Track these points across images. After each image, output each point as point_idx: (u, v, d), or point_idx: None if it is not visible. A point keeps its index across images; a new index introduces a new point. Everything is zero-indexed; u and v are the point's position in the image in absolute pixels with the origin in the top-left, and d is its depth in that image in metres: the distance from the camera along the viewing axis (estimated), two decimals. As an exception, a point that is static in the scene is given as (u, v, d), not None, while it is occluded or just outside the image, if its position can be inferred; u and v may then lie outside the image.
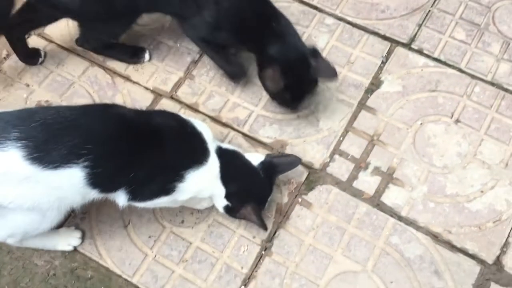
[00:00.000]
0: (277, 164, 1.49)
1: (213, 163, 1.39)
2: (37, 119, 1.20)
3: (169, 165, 1.33)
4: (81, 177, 1.20)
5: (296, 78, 1.56)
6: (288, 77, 1.54)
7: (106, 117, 1.31)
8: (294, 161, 1.52)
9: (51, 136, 1.18)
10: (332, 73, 1.58)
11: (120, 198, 1.32)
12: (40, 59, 1.80)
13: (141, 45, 1.83)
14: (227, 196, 1.42)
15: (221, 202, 1.45)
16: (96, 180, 1.22)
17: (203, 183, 1.39)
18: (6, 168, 1.16)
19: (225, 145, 1.49)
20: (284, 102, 1.65)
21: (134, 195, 1.34)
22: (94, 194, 1.28)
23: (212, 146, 1.42)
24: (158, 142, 1.33)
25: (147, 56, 1.80)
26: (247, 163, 1.46)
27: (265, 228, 1.48)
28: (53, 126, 1.20)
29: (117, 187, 1.29)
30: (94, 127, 1.25)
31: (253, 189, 1.47)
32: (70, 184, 1.21)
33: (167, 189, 1.35)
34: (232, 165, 1.43)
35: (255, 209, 1.43)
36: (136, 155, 1.28)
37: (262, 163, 1.47)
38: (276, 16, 1.60)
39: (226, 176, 1.41)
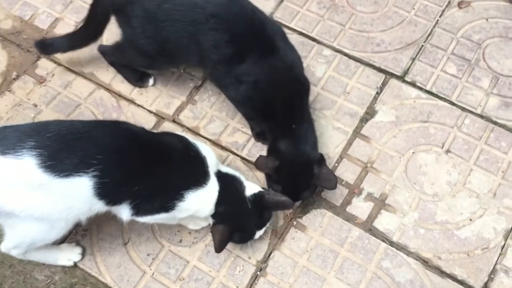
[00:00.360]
0: (268, 201, 1.49)
1: (212, 186, 1.45)
2: (52, 130, 1.27)
3: (171, 183, 1.39)
4: (89, 186, 1.27)
5: (293, 181, 1.57)
6: (284, 176, 1.56)
7: (117, 132, 1.38)
8: (286, 204, 1.50)
9: (64, 146, 1.25)
10: (332, 184, 1.56)
11: (124, 212, 1.38)
12: (151, 81, 1.88)
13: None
14: (213, 215, 1.48)
15: (210, 219, 1.51)
16: (103, 190, 1.28)
17: (201, 204, 1.44)
18: (21, 175, 1.23)
19: (227, 170, 1.54)
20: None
21: (137, 210, 1.39)
22: (99, 206, 1.33)
23: (213, 169, 1.47)
24: (164, 161, 1.39)
25: (151, 81, 1.88)
26: (239, 191, 1.50)
27: (217, 251, 1.47)
28: (67, 137, 1.28)
29: (122, 200, 1.35)
30: (104, 140, 1.32)
31: (234, 214, 1.49)
32: (79, 193, 1.27)
33: (167, 207, 1.40)
34: (227, 190, 1.48)
35: (222, 231, 1.45)
36: (142, 170, 1.34)
37: (254, 195, 1.50)
38: (301, 120, 1.61)
39: (220, 198, 1.46)
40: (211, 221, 1.51)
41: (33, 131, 1.27)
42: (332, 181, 1.56)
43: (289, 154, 1.57)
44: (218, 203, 1.46)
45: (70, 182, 1.25)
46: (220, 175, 1.48)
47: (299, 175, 1.57)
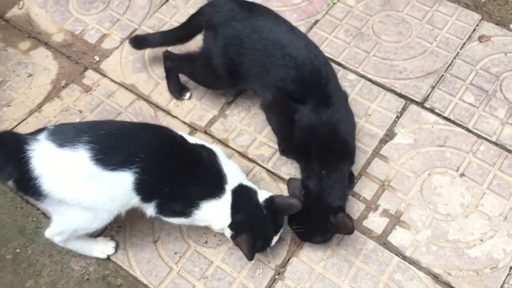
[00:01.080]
0: (279, 204, 1.57)
1: (226, 200, 1.56)
2: (105, 128, 1.45)
3: (191, 191, 1.52)
4: (131, 181, 1.42)
5: (307, 221, 1.63)
6: (301, 214, 1.59)
7: (159, 135, 1.54)
8: (295, 206, 1.56)
9: (113, 143, 1.42)
10: (348, 230, 1.60)
11: (149, 209, 1.53)
12: (188, 95, 2.03)
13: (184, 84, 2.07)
14: (230, 225, 1.57)
15: (228, 231, 1.60)
16: (140, 186, 1.43)
17: (215, 215, 1.56)
18: (75, 166, 1.39)
19: (246, 182, 1.63)
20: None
21: (161, 210, 1.54)
22: (135, 201, 1.48)
23: (233, 184, 1.57)
24: (190, 169, 1.53)
25: (187, 95, 2.04)
26: (253, 199, 1.58)
27: (249, 259, 1.55)
28: (117, 136, 1.44)
29: (153, 198, 1.49)
30: (148, 141, 1.48)
31: (252, 222, 1.57)
32: (122, 186, 1.42)
33: (185, 213, 1.54)
34: (241, 201, 1.58)
35: (247, 239, 1.52)
36: (173, 173, 1.49)
37: (266, 200, 1.58)
38: (332, 173, 1.67)
39: (233, 209, 1.56)
40: (228, 234, 1.60)
41: (88, 128, 1.43)
42: (349, 228, 1.58)
43: (311, 196, 1.66)
44: (234, 214, 1.55)
45: (116, 175, 1.40)
46: (237, 189, 1.58)
47: (315, 219, 1.64)
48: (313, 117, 1.69)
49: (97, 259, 1.69)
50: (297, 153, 1.80)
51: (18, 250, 1.72)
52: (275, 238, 1.62)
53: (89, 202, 1.43)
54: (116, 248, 1.71)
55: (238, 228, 1.56)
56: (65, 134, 1.41)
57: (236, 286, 1.65)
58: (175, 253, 1.71)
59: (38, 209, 1.79)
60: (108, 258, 1.69)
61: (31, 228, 1.76)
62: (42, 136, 1.41)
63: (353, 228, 1.59)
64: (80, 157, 1.38)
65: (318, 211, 1.64)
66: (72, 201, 1.42)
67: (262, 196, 1.60)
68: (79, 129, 1.43)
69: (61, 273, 1.68)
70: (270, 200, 1.58)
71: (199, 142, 1.63)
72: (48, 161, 1.39)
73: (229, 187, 1.57)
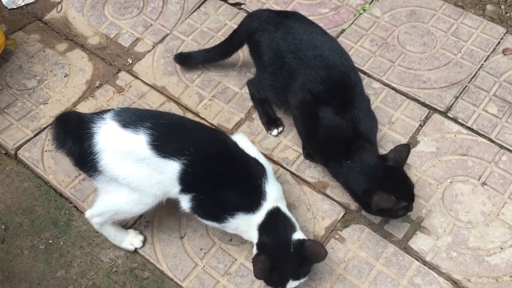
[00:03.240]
0: (307, 248, 1.53)
1: (259, 216, 1.59)
2: (166, 118, 1.58)
3: (230, 199, 1.58)
4: (177, 170, 1.51)
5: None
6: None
7: (213, 136, 1.64)
8: (321, 255, 1.53)
9: (170, 134, 1.53)
10: (390, 203, 1.63)
11: (184, 202, 1.60)
12: (275, 131, 2.00)
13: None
14: (257, 244, 1.60)
15: (254, 249, 1.60)
16: (184, 177, 1.52)
17: (246, 226, 1.61)
18: (133, 147, 1.50)
19: (286, 211, 1.62)
20: None
21: (197, 209, 1.60)
22: (176, 191, 1.56)
23: (271, 204, 1.59)
24: (235, 177, 1.58)
25: (275, 131, 2.00)
26: (285, 231, 1.57)
27: (256, 276, 1.53)
28: (175, 127, 1.56)
29: (191, 191, 1.56)
30: (201, 138, 1.58)
31: (275, 249, 1.55)
32: (169, 173, 1.51)
33: (220, 218, 1.60)
34: (272, 225, 1.58)
35: (263, 260, 1.51)
36: (217, 174, 1.55)
37: (298, 240, 1.55)
38: (357, 162, 1.72)
39: (263, 230, 1.58)
40: (254, 252, 1.60)
41: (151, 115, 1.56)
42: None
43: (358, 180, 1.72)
44: (262, 233, 1.58)
45: (166, 162, 1.50)
46: (274, 211, 1.59)
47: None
48: (338, 117, 1.75)
49: (126, 252, 1.76)
50: (321, 153, 1.85)
51: (50, 241, 1.80)
52: (292, 283, 1.57)
53: (137, 184, 1.52)
54: (144, 242, 1.77)
55: (262, 249, 1.58)
56: (129, 117, 1.53)
57: (258, 283, 1.69)
58: (201, 249, 1.76)
59: (71, 202, 1.87)
60: (136, 251, 1.76)
61: (64, 220, 1.84)
62: (108, 116, 1.54)
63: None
64: (139, 140, 1.49)
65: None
66: (123, 180, 1.52)
67: (297, 235, 1.58)
68: (143, 114, 1.55)
69: (90, 264, 1.75)
70: (301, 242, 1.55)
71: (255, 153, 1.66)
72: (110, 138, 1.50)
73: (266, 205, 1.59)
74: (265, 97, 2.01)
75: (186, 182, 1.54)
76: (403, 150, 1.71)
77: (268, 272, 1.53)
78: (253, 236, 1.60)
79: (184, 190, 1.56)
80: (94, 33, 2.34)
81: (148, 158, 1.50)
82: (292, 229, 1.60)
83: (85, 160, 1.53)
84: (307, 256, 1.55)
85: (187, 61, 2.16)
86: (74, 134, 1.54)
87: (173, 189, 1.56)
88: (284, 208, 1.64)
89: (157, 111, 1.65)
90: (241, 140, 1.68)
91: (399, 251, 1.75)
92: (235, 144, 1.64)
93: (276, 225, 1.59)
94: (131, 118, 1.53)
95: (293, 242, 1.56)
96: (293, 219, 1.63)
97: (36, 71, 2.21)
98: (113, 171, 1.51)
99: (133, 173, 1.51)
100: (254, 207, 1.59)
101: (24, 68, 2.21)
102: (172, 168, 1.51)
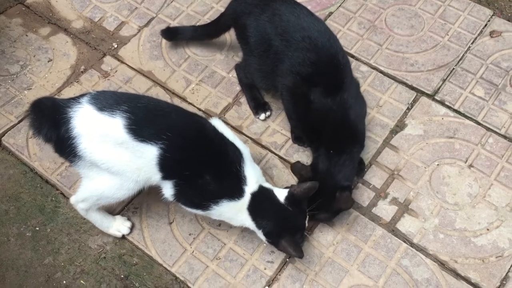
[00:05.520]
0: (299, 194, 1.59)
1: (244, 202, 1.59)
2: (143, 102, 1.55)
3: (210, 185, 1.55)
4: (155, 155, 1.49)
5: (313, 199, 1.64)
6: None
7: (190, 120, 1.60)
8: (313, 187, 1.60)
9: (148, 117, 1.51)
10: (348, 205, 1.70)
11: (167, 189, 1.58)
12: (263, 115, 1.99)
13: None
14: (265, 235, 1.61)
15: (263, 237, 1.63)
16: (163, 162, 1.50)
17: (232, 214, 1.61)
18: (110, 131, 1.48)
19: (264, 184, 1.64)
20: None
21: (179, 196, 1.58)
22: (157, 178, 1.54)
23: (253, 187, 1.59)
24: (216, 162, 1.56)
25: (263, 116, 2.00)
26: (276, 202, 1.60)
27: (300, 257, 1.58)
28: (152, 111, 1.53)
29: (171, 177, 1.54)
30: (179, 123, 1.55)
31: (284, 224, 1.60)
32: (148, 158, 1.50)
33: (203, 205, 1.59)
34: (263, 206, 1.60)
35: (288, 242, 1.56)
36: (196, 159, 1.53)
37: (287, 198, 1.60)
38: (342, 153, 1.73)
39: (257, 215, 1.59)
40: (264, 240, 1.63)
41: (128, 99, 1.53)
42: (350, 202, 1.69)
43: (320, 175, 1.72)
44: (255, 216, 1.59)
45: (143, 147, 1.48)
46: (257, 192, 1.59)
47: (323, 196, 1.66)
48: (327, 99, 1.74)
49: (114, 238, 1.75)
50: (309, 135, 1.84)
51: (37, 228, 1.78)
52: (307, 222, 1.66)
53: (118, 168, 1.51)
54: (132, 229, 1.76)
55: (274, 236, 1.60)
56: (106, 100, 1.51)
57: (248, 267, 1.70)
58: (190, 234, 1.76)
59: (57, 189, 1.85)
60: (124, 237, 1.75)
61: (50, 207, 1.82)
62: (84, 100, 1.52)
63: (352, 203, 1.69)
64: (115, 123, 1.47)
65: (326, 188, 1.68)
66: (103, 165, 1.50)
67: (281, 194, 1.61)
68: (119, 98, 1.53)
69: (78, 251, 1.74)
70: (290, 196, 1.60)
71: (232, 138, 1.65)
72: (87, 122, 1.48)
73: (249, 189, 1.59)
74: (252, 82, 1.99)
75: (165, 167, 1.52)
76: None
77: (297, 242, 1.59)
78: (244, 218, 1.61)
79: (165, 176, 1.54)
80: (78, 16, 2.29)
81: (125, 142, 1.48)
82: (274, 195, 1.61)
83: (64, 146, 1.51)
84: (303, 197, 1.61)
85: (174, 36, 2.14)
86: (49, 120, 1.52)
87: (154, 175, 1.54)
88: (263, 183, 1.64)
89: (134, 94, 1.61)
90: (217, 124, 1.66)
91: (387, 233, 1.76)
92: (214, 129, 1.62)
93: (265, 204, 1.60)
94: (107, 101, 1.50)
95: (285, 203, 1.59)
96: (268, 185, 1.65)
97: (19, 56, 2.16)
98: (92, 156, 1.50)
99: (112, 158, 1.50)
100: (237, 193, 1.58)
101: (6, 53, 2.17)
102: (150, 152, 1.49)
